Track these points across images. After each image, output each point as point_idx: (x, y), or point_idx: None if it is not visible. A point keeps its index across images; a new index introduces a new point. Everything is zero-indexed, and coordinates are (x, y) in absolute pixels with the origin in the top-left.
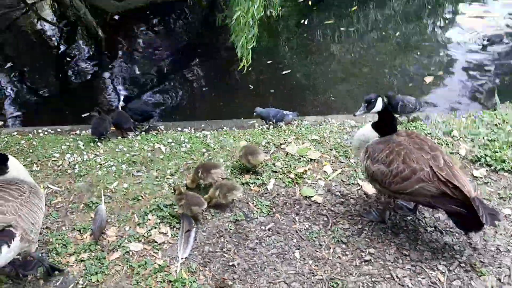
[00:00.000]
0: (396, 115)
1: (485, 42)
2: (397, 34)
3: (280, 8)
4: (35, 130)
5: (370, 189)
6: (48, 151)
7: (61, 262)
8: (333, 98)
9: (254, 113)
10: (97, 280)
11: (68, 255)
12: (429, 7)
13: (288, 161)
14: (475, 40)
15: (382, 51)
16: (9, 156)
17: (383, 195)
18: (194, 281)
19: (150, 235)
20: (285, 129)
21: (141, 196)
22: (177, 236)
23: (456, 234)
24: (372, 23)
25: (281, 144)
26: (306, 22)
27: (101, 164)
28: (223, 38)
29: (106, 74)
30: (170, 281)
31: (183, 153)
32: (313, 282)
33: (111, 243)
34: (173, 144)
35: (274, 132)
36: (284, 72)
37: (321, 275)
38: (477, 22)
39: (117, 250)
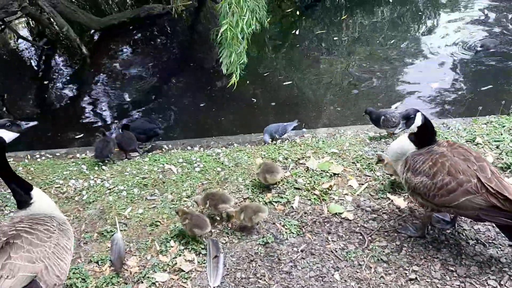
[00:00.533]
0: (380, 130)
1: (479, 48)
2: (392, 41)
3: (268, 20)
4: (28, 155)
5: (401, 202)
6: (49, 177)
7: None
8: (338, 109)
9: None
10: None
11: None
12: (419, 13)
13: (311, 176)
14: (468, 46)
15: (379, 59)
16: (33, 186)
17: (425, 209)
18: None
19: (175, 263)
20: (300, 143)
21: (159, 222)
22: (204, 263)
23: (500, 246)
24: (364, 31)
25: (299, 159)
26: (297, 32)
27: (110, 189)
28: (216, 51)
29: (93, 93)
30: None
31: (197, 173)
32: None
33: (134, 275)
34: (184, 164)
35: (289, 147)
36: (285, 83)
37: None
38: (467, 28)
39: (142, 282)
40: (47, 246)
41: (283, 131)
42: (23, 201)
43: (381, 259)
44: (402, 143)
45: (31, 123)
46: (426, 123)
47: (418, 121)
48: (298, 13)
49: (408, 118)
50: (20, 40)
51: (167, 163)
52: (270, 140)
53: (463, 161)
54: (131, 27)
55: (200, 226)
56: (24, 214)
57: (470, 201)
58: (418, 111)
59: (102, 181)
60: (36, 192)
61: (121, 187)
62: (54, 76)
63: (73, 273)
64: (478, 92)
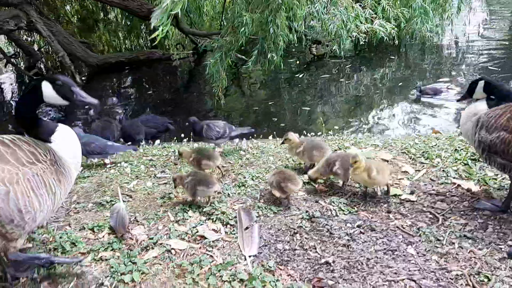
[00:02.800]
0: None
1: (418, 94)
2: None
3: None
4: None
5: (472, 186)
6: None
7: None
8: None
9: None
10: (133, 280)
11: (80, 254)
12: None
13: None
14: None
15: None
16: (60, 126)
17: (508, 172)
18: (277, 280)
19: (197, 231)
20: (333, 139)
21: (173, 195)
22: (233, 234)
23: None
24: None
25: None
26: (300, 76)
27: (110, 166)
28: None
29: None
30: (242, 280)
31: None
32: (451, 278)
33: (142, 242)
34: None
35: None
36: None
37: (460, 270)
38: None
39: (153, 249)
40: (21, 170)
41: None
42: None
43: (465, 235)
44: (475, 105)
45: (90, 99)
46: (491, 85)
47: (480, 87)
48: (298, 62)
49: (470, 88)
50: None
51: (179, 150)
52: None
53: None
54: (127, 67)
55: (208, 183)
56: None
57: None
58: (482, 79)
59: (100, 159)
60: (60, 133)
61: (124, 164)
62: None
63: (60, 237)
64: None
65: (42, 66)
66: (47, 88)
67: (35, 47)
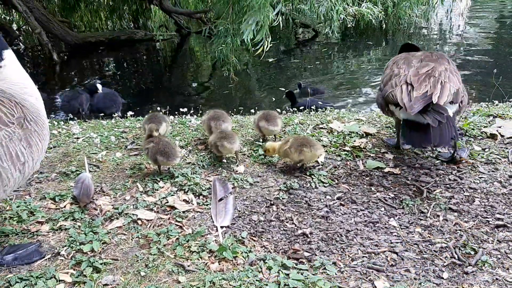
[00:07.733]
0: None
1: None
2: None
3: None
4: None
5: (463, 155)
6: None
7: (28, 230)
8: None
9: None
10: (92, 250)
11: (37, 223)
12: None
13: (337, 136)
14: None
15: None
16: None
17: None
18: (249, 251)
19: (167, 202)
20: (315, 115)
21: (144, 166)
22: (206, 205)
23: None
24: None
25: (318, 124)
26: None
27: (78, 137)
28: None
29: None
30: (212, 251)
31: (192, 130)
32: (435, 251)
33: (106, 212)
34: (175, 122)
35: (303, 115)
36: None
37: (445, 243)
38: None
39: (117, 219)
40: None
41: None
42: None
43: (450, 208)
44: None
45: None
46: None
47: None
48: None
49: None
50: None
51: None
52: None
53: (418, 59)
54: (106, 47)
55: (168, 154)
56: None
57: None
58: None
59: (68, 130)
60: (10, 54)
61: (93, 135)
62: None
63: (17, 206)
64: None
65: (20, 44)
66: None
67: (14, 26)
